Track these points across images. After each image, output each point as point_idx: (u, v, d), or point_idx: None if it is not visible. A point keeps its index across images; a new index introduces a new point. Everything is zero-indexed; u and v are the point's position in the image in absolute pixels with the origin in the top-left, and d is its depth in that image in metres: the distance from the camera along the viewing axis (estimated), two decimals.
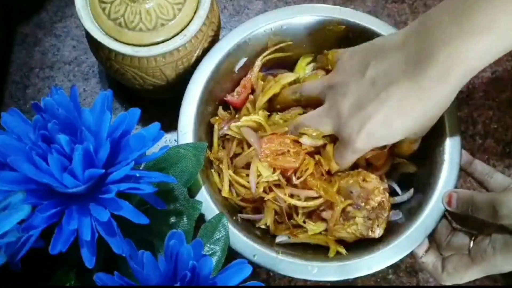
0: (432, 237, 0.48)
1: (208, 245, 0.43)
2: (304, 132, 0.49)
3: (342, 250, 0.48)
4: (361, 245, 0.49)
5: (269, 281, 0.57)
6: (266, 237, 0.50)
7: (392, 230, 0.49)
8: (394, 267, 0.58)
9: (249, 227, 0.50)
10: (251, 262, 0.44)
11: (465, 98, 0.64)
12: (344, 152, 0.47)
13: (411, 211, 0.49)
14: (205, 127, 0.53)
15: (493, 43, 0.39)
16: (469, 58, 0.39)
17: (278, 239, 0.50)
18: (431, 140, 0.50)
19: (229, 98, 0.55)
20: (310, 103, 0.51)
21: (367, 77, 0.45)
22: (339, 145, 0.48)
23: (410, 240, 0.46)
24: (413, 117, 0.43)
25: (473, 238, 0.45)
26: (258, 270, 0.57)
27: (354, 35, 0.54)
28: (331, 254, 0.48)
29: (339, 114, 0.46)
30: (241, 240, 0.46)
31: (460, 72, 0.40)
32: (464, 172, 0.49)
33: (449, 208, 0.46)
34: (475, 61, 0.40)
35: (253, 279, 0.35)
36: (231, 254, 0.44)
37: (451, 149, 0.48)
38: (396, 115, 0.43)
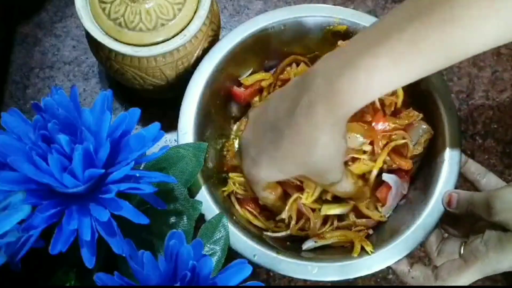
0: (423, 247, 0.47)
1: (208, 245, 0.43)
2: None
3: (369, 248, 0.47)
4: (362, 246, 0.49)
5: (269, 281, 0.57)
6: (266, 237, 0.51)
7: (391, 230, 0.49)
8: None
9: (249, 227, 0.51)
10: (251, 262, 0.44)
11: (465, 98, 0.64)
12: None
13: (411, 211, 0.49)
14: (205, 127, 0.53)
15: (359, 80, 0.38)
16: (341, 91, 0.39)
17: (306, 245, 0.50)
18: (431, 140, 0.50)
19: (236, 89, 0.55)
20: None
21: (265, 112, 0.45)
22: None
23: (410, 240, 0.46)
24: (293, 153, 0.42)
25: (463, 243, 0.44)
26: (258, 270, 0.57)
27: (355, 35, 0.54)
28: (355, 253, 0.47)
29: (239, 146, 0.49)
30: (241, 240, 0.46)
31: (334, 103, 0.39)
32: None
33: (448, 209, 0.46)
34: (346, 95, 0.39)
35: (253, 279, 0.35)
36: (231, 254, 0.44)
37: (451, 149, 0.48)
38: (281, 150, 0.43)
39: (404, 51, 0.37)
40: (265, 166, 0.44)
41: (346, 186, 0.46)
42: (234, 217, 0.49)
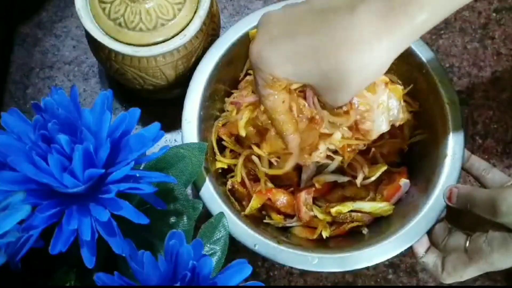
0: (429, 239, 0.48)
1: (208, 245, 0.43)
2: None
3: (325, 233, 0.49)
4: (362, 238, 0.49)
5: (269, 281, 0.58)
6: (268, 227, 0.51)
7: (392, 223, 0.49)
8: (394, 267, 0.58)
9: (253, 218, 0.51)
10: (251, 252, 0.45)
11: (465, 98, 0.64)
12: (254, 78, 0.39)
13: (413, 204, 0.49)
14: (209, 117, 0.53)
15: None
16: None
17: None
18: (434, 135, 0.51)
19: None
20: None
21: (305, 3, 0.37)
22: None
23: (411, 234, 0.46)
24: (326, 52, 0.34)
25: (468, 237, 0.45)
26: (258, 270, 0.57)
27: None
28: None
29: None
30: (242, 230, 0.46)
31: (407, 13, 0.33)
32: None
33: (449, 203, 0.46)
34: (424, 7, 0.33)
35: (253, 279, 0.35)
36: (231, 254, 0.44)
37: (454, 144, 0.48)
38: (310, 40, 0.35)
39: None
40: (284, 51, 0.36)
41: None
42: (236, 207, 0.49)
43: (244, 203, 0.53)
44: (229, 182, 0.53)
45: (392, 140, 0.53)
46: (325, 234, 0.50)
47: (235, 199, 0.52)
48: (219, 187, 0.49)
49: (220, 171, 0.53)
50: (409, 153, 0.55)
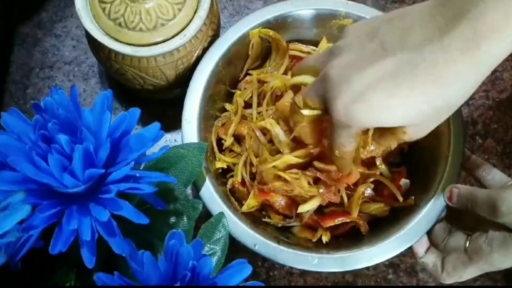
0: (429, 239, 0.48)
1: (208, 245, 0.43)
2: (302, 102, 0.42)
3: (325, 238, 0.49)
4: (362, 238, 0.49)
5: (269, 281, 0.58)
6: (268, 226, 0.51)
7: (393, 223, 0.49)
8: (394, 267, 0.58)
9: (252, 217, 0.51)
10: (251, 252, 0.45)
11: None
12: (334, 130, 0.39)
13: (413, 205, 0.49)
14: (209, 117, 0.53)
15: None
16: None
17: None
18: (434, 135, 0.50)
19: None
20: None
21: (376, 39, 0.36)
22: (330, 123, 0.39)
23: (411, 234, 0.46)
24: (428, 92, 0.34)
25: (468, 238, 0.45)
26: (258, 270, 0.57)
27: None
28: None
29: (326, 76, 0.37)
30: (242, 230, 0.46)
31: (500, 38, 0.32)
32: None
33: (449, 203, 0.46)
34: None
35: (253, 279, 0.35)
36: (231, 254, 0.44)
37: (454, 144, 0.48)
38: (406, 84, 0.34)
39: None
40: (374, 106, 0.35)
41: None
42: (236, 207, 0.49)
43: (244, 202, 0.53)
44: (229, 182, 0.53)
45: None
46: (325, 239, 0.50)
47: (235, 199, 0.52)
48: (219, 187, 0.49)
49: (220, 171, 0.53)
50: (409, 153, 0.55)
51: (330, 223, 0.50)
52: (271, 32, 0.54)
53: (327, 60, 0.39)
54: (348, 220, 0.49)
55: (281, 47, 0.55)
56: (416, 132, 0.38)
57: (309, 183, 0.48)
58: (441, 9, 0.33)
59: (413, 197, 0.50)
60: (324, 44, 0.55)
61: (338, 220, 0.49)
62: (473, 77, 0.34)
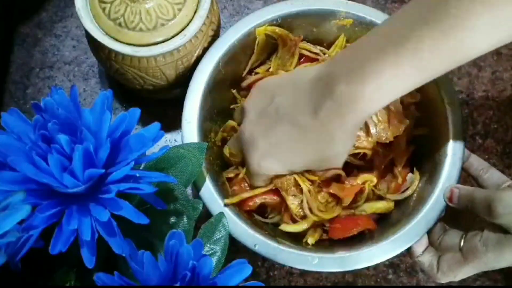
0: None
1: (208, 245, 0.43)
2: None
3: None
4: (362, 238, 0.49)
5: (269, 281, 0.58)
6: (268, 226, 0.51)
7: (393, 223, 0.49)
8: (394, 267, 0.58)
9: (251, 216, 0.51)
10: (251, 252, 0.45)
11: (465, 98, 0.64)
12: (251, 177, 0.50)
13: (413, 205, 0.49)
14: (209, 117, 0.53)
15: (380, 88, 0.41)
16: (363, 98, 0.41)
17: None
18: (434, 134, 0.50)
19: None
20: None
21: (273, 104, 0.47)
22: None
23: (411, 234, 0.46)
24: (315, 147, 0.46)
25: (464, 236, 0.45)
26: (258, 270, 0.57)
27: (361, 30, 0.54)
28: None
29: (240, 136, 0.49)
30: (242, 230, 0.46)
31: (355, 108, 0.42)
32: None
33: (450, 204, 0.46)
34: (368, 102, 0.41)
35: (253, 279, 0.35)
36: (231, 254, 0.44)
37: (454, 144, 0.48)
38: (300, 143, 0.46)
39: (425, 57, 0.39)
40: (279, 159, 0.47)
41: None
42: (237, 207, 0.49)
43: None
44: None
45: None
46: (311, 241, 0.50)
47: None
48: (218, 183, 0.49)
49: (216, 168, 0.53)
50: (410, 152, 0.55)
51: (340, 235, 0.50)
52: (277, 29, 0.54)
53: (242, 117, 0.50)
54: (360, 230, 0.50)
55: (289, 42, 0.55)
56: (319, 170, 0.49)
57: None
58: (317, 84, 0.44)
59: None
60: (341, 41, 0.56)
61: (352, 232, 0.50)
62: (343, 135, 0.44)
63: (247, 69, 0.57)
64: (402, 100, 0.52)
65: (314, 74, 0.45)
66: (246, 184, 0.51)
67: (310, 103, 0.44)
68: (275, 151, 0.47)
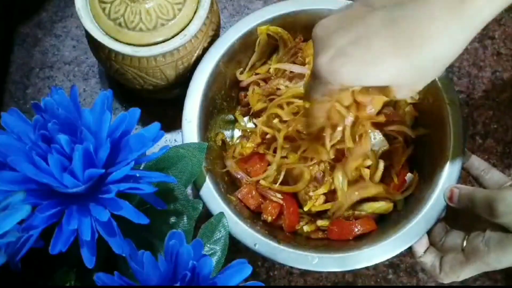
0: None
1: (208, 245, 0.43)
2: None
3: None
4: (362, 238, 0.49)
5: (269, 281, 0.58)
6: (267, 226, 0.51)
7: (393, 223, 0.49)
8: (394, 267, 0.58)
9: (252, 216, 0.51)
10: (251, 252, 0.45)
11: (465, 98, 0.64)
12: (311, 87, 0.39)
13: (413, 205, 0.49)
14: (209, 117, 0.53)
15: None
16: None
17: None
18: (434, 134, 0.50)
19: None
20: None
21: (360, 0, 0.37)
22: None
23: (411, 234, 0.46)
24: (411, 49, 0.34)
25: (466, 237, 0.45)
26: (258, 270, 0.57)
27: None
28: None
29: (313, 35, 0.38)
30: (242, 229, 0.46)
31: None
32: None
33: (450, 204, 0.46)
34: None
35: (253, 279, 0.35)
36: (231, 254, 0.44)
37: (454, 144, 0.48)
38: (388, 41, 0.34)
39: None
40: (358, 59, 0.35)
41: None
42: (236, 207, 0.49)
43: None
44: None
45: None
46: (306, 229, 0.50)
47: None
48: (218, 182, 0.50)
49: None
50: (410, 154, 0.55)
51: (337, 238, 0.50)
52: (279, 29, 0.54)
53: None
54: (356, 235, 0.50)
55: (290, 44, 0.55)
56: (403, 92, 0.38)
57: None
58: None
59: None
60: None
61: (347, 237, 0.50)
62: (460, 34, 0.33)
63: (247, 68, 0.57)
64: (400, 101, 0.53)
65: None
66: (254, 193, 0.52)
67: None
68: (353, 50, 0.35)
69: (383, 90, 0.38)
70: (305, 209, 0.51)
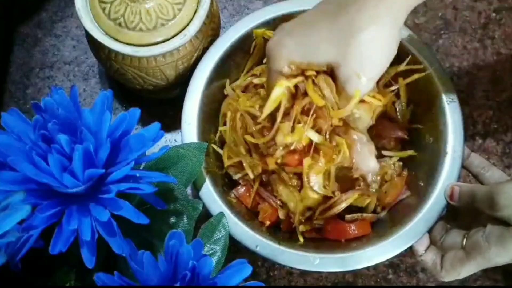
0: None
1: (208, 245, 0.43)
2: None
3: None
4: (362, 238, 0.49)
5: (269, 281, 0.58)
6: (269, 228, 0.51)
7: (393, 223, 0.49)
8: (394, 267, 0.58)
9: (253, 217, 0.51)
10: (252, 252, 0.45)
11: (465, 98, 0.64)
12: (268, 74, 0.46)
13: (413, 204, 0.49)
14: (209, 118, 0.53)
15: None
16: None
17: None
18: (434, 134, 0.50)
19: None
20: None
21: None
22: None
23: (411, 234, 0.46)
24: (343, 31, 0.41)
25: (466, 235, 0.45)
26: (258, 270, 0.57)
27: None
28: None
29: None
30: (243, 231, 0.46)
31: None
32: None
33: (451, 202, 0.46)
34: None
35: (253, 279, 0.35)
36: (231, 254, 0.44)
37: (454, 143, 0.48)
38: (326, 26, 0.42)
39: None
40: (302, 38, 0.43)
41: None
42: (236, 208, 0.49)
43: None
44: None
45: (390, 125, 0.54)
46: (301, 229, 0.50)
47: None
48: (217, 184, 0.49)
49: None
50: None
51: (333, 238, 0.50)
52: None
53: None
54: (352, 237, 0.50)
55: None
56: (353, 82, 0.42)
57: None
58: None
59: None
60: None
61: (343, 238, 0.50)
62: (388, 18, 0.40)
63: (246, 69, 0.56)
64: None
65: None
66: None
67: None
68: (297, 29, 0.43)
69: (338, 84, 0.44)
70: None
